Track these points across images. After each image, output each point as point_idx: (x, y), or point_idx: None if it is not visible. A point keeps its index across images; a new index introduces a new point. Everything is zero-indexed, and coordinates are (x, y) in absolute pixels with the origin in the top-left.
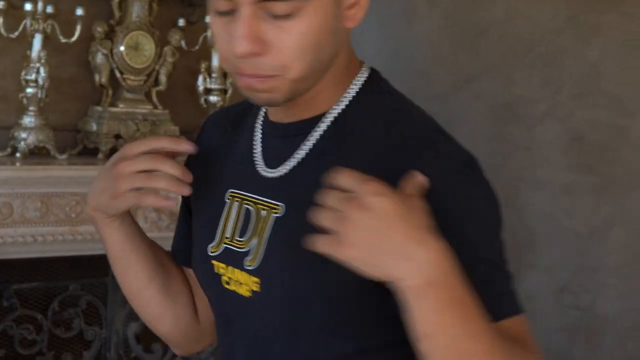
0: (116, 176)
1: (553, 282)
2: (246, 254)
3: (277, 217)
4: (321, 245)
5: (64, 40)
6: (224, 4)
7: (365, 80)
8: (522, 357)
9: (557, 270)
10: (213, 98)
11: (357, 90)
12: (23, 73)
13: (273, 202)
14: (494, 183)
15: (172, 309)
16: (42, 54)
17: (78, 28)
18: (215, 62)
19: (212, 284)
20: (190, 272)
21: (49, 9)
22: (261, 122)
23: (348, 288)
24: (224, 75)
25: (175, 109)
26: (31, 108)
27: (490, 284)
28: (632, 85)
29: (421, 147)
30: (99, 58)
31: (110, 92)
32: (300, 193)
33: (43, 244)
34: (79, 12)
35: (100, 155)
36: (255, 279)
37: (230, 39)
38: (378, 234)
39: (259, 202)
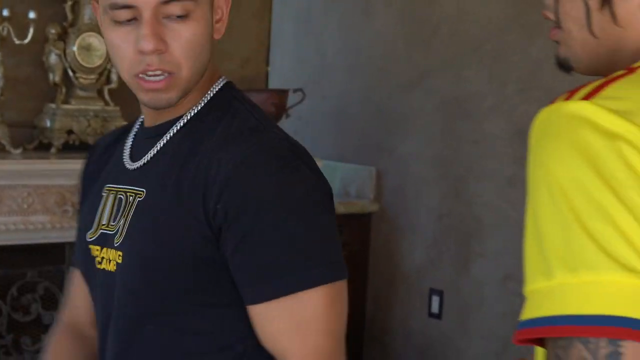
0: None
1: (499, 270)
2: (115, 234)
3: (140, 200)
4: None
5: (18, 42)
6: (125, 14)
7: (219, 89)
8: None
9: (502, 259)
10: None
11: (211, 97)
12: None
13: (137, 188)
14: (445, 176)
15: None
16: None
17: (31, 30)
18: None
19: (89, 267)
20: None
21: (5, 12)
22: (136, 129)
23: (187, 256)
24: None
25: (127, 106)
26: None
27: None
28: (570, 81)
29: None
30: (53, 58)
31: (63, 90)
32: (153, 181)
33: None
34: (32, 15)
35: (53, 150)
36: (119, 252)
37: (136, 42)
38: None
39: (128, 190)
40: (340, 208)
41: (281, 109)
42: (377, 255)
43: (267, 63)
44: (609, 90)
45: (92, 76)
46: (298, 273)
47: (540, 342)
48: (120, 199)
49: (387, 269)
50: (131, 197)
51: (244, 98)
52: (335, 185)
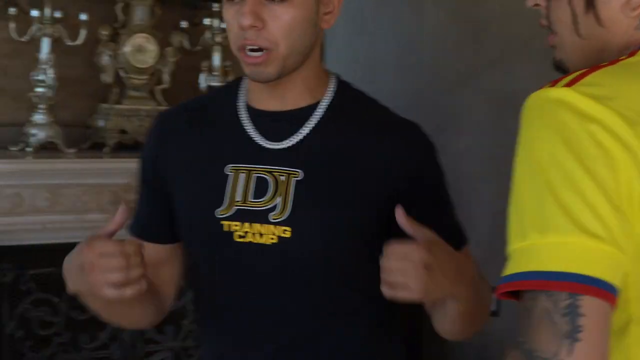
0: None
1: None
2: (270, 210)
3: (297, 180)
4: (395, 292)
5: (69, 43)
6: None
7: (339, 80)
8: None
9: None
10: None
11: (336, 87)
12: (33, 74)
13: (289, 169)
14: (498, 173)
15: (160, 310)
16: (50, 56)
17: (83, 32)
18: (216, 61)
19: (220, 241)
20: (160, 247)
21: (57, 14)
22: (245, 110)
23: (361, 244)
24: (225, 73)
25: None
26: (41, 106)
27: (455, 224)
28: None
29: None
30: (105, 59)
31: (116, 90)
32: (314, 161)
33: (52, 231)
34: (83, 17)
35: (106, 149)
36: (285, 228)
37: (239, 19)
38: (435, 278)
39: (275, 170)
40: None
41: None
42: None
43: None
44: (588, 78)
45: (144, 76)
46: (463, 233)
47: (517, 296)
48: (264, 179)
49: None
50: (282, 177)
51: (358, 89)
52: None
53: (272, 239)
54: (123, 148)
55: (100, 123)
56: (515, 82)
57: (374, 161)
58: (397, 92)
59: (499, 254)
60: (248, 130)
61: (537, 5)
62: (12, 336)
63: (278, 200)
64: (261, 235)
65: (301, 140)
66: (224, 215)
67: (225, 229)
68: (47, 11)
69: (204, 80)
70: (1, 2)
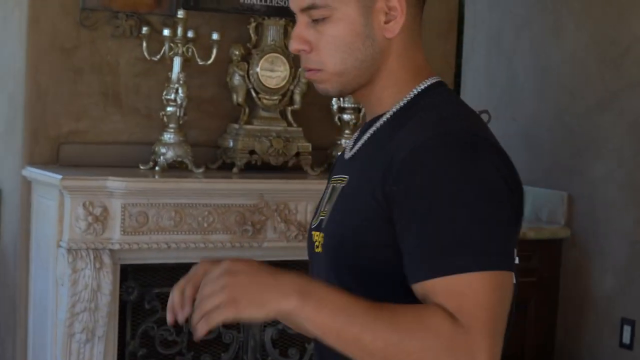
0: None
1: None
2: (324, 218)
3: (342, 186)
4: (218, 316)
5: (201, 63)
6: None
7: (425, 87)
8: (420, 329)
9: None
10: (346, 116)
11: (415, 94)
12: (164, 93)
13: (344, 176)
14: (638, 200)
15: None
16: (180, 76)
17: (214, 51)
18: None
19: (310, 253)
20: None
21: (189, 34)
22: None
23: (366, 235)
24: None
25: (309, 127)
26: (171, 125)
27: (418, 247)
28: None
29: (415, 126)
30: (236, 79)
31: (246, 110)
32: (356, 168)
33: (177, 250)
34: (215, 36)
35: (235, 170)
36: (322, 234)
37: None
38: (251, 284)
39: (338, 178)
40: (530, 234)
41: None
42: (568, 281)
43: (455, 84)
44: None
45: (275, 97)
46: (456, 257)
47: None
48: (334, 187)
49: (578, 296)
50: (338, 184)
51: (451, 95)
52: (526, 209)
53: (320, 246)
54: (252, 168)
55: (230, 143)
56: None
57: (385, 163)
58: (535, 115)
59: (636, 282)
60: (350, 143)
61: None
62: (134, 354)
63: (328, 207)
64: (319, 244)
65: (358, 149)
66: (312, 226)
67: (313, 239)
68: (179, 30)
69: (335, 102)
70: (134, 21)
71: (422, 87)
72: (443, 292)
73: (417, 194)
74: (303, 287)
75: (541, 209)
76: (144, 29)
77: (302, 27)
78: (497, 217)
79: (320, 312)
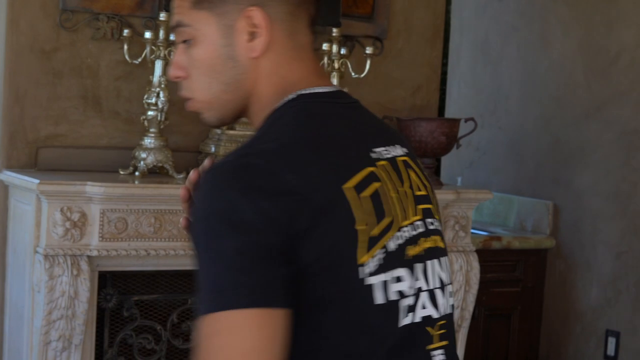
0: None
1: None
2: None
3: None
4: None
5: None
6: None
7: (276, 107)
8: None
9: None
10: None
11: (266, 117)
12: (145, 97)
13: None
14: (624, 211)
15: None
16: (162, 79)
17: None
18: None
19: None
20: None
21: (171, 37)
22: None
23: None
24: None
25: None
26: (152, 130)
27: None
28: None
29: None
30: None
31: None
32: None
33: (157, 257)
34: None
35: None
36: None
37: None
38: None
39: None
40: (515, 243)
41: (452, 139)
42: (552, 292)
43: (441, 92)
44: None
45: None
46: (200, 300)
47: None
48: None
49: (562, 308)
50: None
51: (282, 116)
52: (511, 219)
53: None
54: None
55: (212, 148)
56: None
57: None
58: (520, 123)
59: (622, 293)
60: None
61: None
62: None
63: None
64: None
65: None
66: None
67: None
68: (161, 33)
69: None
70: (116, 23)
71: (277, 106)
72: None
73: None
74: None
75: (526, 219)
76: (125, 32)
77: (179, 52)
78: (232, 253)
79: None
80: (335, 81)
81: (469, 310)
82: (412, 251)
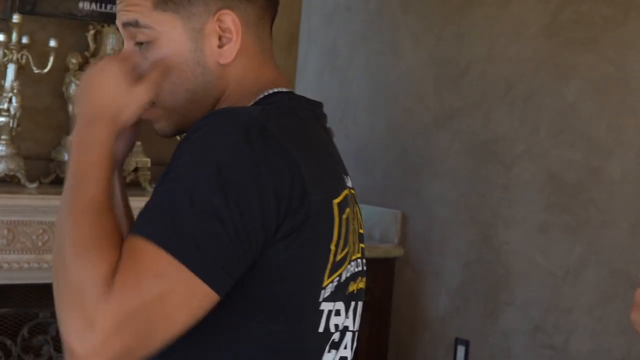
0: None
1: (528, 320)
2: None
3: None
4: None
5: (37, 71)
6: None
7: (257, 99)
8: (88, 259)
9: (532, 309)
10: None
11: None
12: None
13: None
14: (473, 221)
15: None
16: (14, 84)
17: (51, 59)
18: None
19: None
20: None
21: (24, 40)
22: None
23: None
24: None
25: (149, 141)
26: (3, 137)
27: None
28: (607, 126)
29: None
30: (73, 89)
31: None
32: None
33: (9, 271)
34: (52, 43)
35: None
36: None
37: None
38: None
39: None
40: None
41: None
42: (401, 301)
43: None
44: None
45: None
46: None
47: None
48: None
49: (411, 316)
50: None
51: (270, 103)
52: None
53: None
54: None
55: (65, 156)
56: (495, 127)
57: None
58: (368, 132)
59: (471, 302)
60: None
61: None
62: None
63: None
64: None
65: None
66: None
67: None
68: (14, 36)
69: None
70: None
71: (255, 100)
72: (125, 246)
73: (169, 168)
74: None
75: (374, 228)
76: None
77: (132, 54)
78: (217, 211)
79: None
80: None
81: None
82: (352, 287)
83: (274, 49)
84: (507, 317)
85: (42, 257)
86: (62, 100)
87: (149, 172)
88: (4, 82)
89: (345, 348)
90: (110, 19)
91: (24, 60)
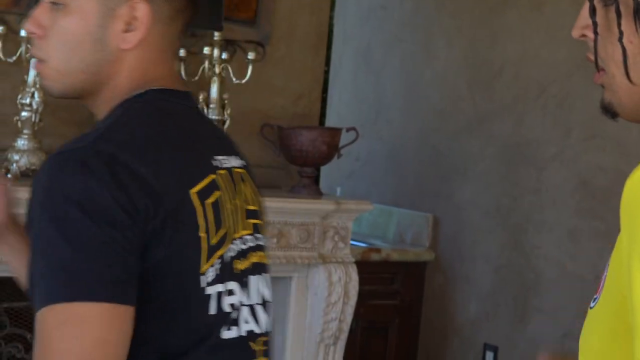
0: None
1: (557, 326)
2: None
3: None
4: None
5: None
6: None
7: (127, 99)
8: None
9: (561, 315)
10: None
11: (110, 110)
12: (19, 97)
13: None
14: (504, 225)
15: None
16: (37, 79)
17: None
18: (214, 93)
19: None
20: None
21: None
22: None
23: None
24: (222, 106)
25: None
26: (25, 131)
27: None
28: (638, 131)
29: None
30: None
31: None
32: None
33: None
34: None
35: None
36: None
37: None
38: None
39: None
40: (394, 255)
41: (333, 148)
42: (430, 306)
43: (322, 100)
44: None
45: None
46: (36, 289)
47: None
48: None
49: (440, 321)
50: None
51: (130, 108)
52: (390, 230)
53: None
54: None
55: None
56: (527, 130)
57: None
58: (401, 135)
59: (500, 308)
60: None
61: (583, 36)
62: None
63: None
64: None
65: None
66: None
67: None
68: None
69: None
70: None
71: (126, 98)
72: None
73: (28, 214)
74: None
75: (406, 231)
76: (0, 28)
77: (42, 9)
78: (78, 244)
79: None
80: (215, 86)
81: (347, 322)
82: (240, 265)
83: (303, 48)
84: (536, 323)
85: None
86: None
87: None
88: (27, 78)
89: (247, 322)
90: None
91: None
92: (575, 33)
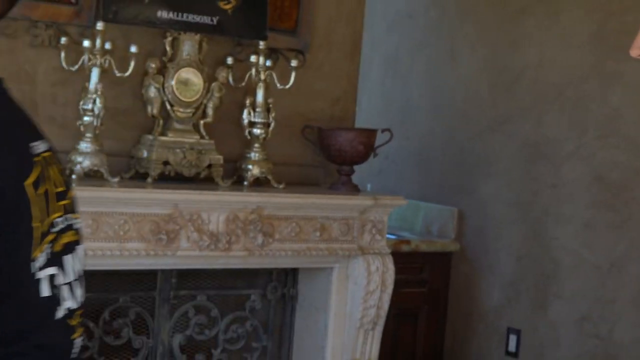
0: None
1: (575, 311)
2: None
3: None
4: None
5: (118, 74)
6: None
7: None
8: None
9: (579, 300)
10: (256, 131)
11: None
12: (81, 103)
13: None
14: (524, 218)
15: None
16: (98, 86)
17: (132, 64)
18: (259, 97)
19: None
20: None
21: (107, 46)
22: None
23: None
24: (268, 110)
25: (221, 140)
26: (87, 135)
27: None
28: None
29: None
30: (152, 91)
31: (161, 122)
32: None
33: (93, 258)
34: (133, 49)
35: (149, 180)
36: None
37: None
38: None
39: None
40: (422, 246)
41: (369, 148)
42: (457, 293)
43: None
44: None
45: (189, 110)
46: None
47: None
48: None
49: (466, 307)
50: None
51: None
52: (418, 223)
53: None
54: (165, 179)
55: (144, 154)
56: (545, 130)
57: None
58: (428, 134)
59: (522, 295)
60: None
61: None
62: None
63: None
64: None
65: None
66: None
67: None
68: (98, 42)
69: (246, 116)
70: (53, 31)
71: None
72: None
73: None
74: None
75: (432, 224)
76: (63, 40)
77: None
78: None
79: None
80: (261, 91)
81: (385, 309)
82: (57, 247)
83: (339, 55)
84: (555, 308)
85: (123, 245)
86: (142, 101)
87: (221, 169)
88: (89, 85)
89: (65, 300)
90: (187, 26)
91: (106, 65)
92: (634, 53)
